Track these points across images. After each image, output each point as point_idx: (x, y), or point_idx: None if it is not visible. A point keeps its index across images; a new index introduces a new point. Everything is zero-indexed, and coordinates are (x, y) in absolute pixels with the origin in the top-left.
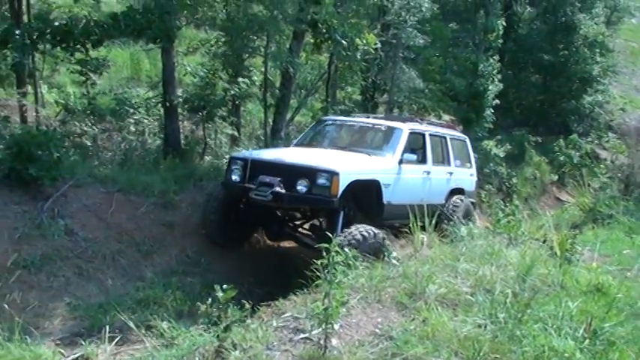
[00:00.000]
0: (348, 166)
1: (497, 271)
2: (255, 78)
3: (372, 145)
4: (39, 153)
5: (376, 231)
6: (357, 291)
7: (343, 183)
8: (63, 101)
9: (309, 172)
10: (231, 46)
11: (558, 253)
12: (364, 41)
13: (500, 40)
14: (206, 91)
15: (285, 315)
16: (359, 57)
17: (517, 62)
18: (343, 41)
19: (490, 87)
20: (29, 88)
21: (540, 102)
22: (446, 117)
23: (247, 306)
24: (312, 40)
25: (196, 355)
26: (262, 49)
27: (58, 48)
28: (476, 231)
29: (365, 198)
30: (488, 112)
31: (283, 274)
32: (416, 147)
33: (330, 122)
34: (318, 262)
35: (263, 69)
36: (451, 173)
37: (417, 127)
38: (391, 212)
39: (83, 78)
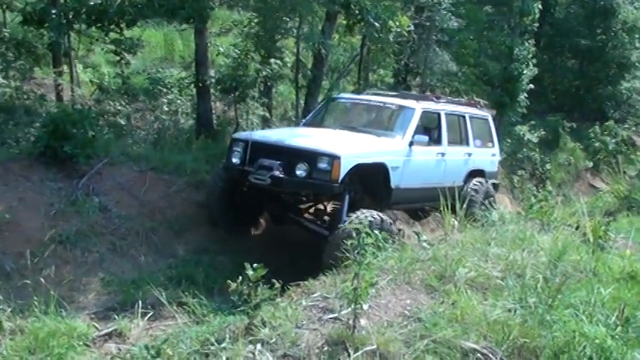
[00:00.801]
0: (351, 148)
1: (528, 256)
2: (287, 59)
3: (382, 125)
4: (74, 131)
5: (383, 216)
6: (386, 272)
7: (345, 167)
8: (97, 81)
9: (310, 156)
10: (264, 27)
11: (591, 239)
12: (397, 23)
13: (536, 24)
14: (238, 72)
15: (315, 294)
16: (392, 39)
17: (553, 46)
18: (376, 23)
19: (525, 71)
20: (65, 68)
21: (576, 87)
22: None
23: (277, 285)
24: (344, 22)
25: (226, 331)
26: (295, 31)
27: (93, 27)
28: (507, 216)
29: (372, 182)
30: (523, 96)
31: (315, 254)
32: (430, 127)
33: (341, 101)
34: (348, 242)
35: (295, 50)
36: (470, 154)
37: (432, 105)
38: (401, 196)
39: (117, 58)
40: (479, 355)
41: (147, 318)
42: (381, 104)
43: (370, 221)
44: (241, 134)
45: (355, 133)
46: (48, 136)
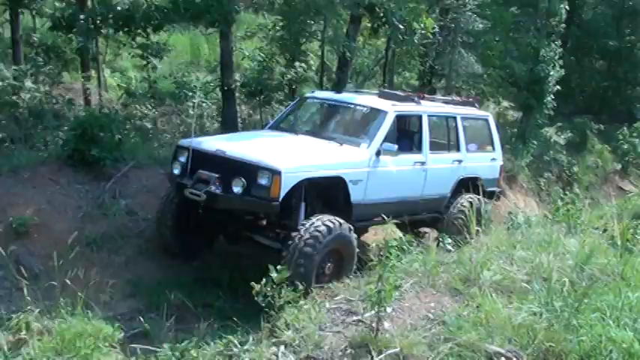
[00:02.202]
0: (298, 161)
1: (554, 259)
2: (312, 62)
3: (350, 130)
4: (101, 135)
5: (342, 222)
6: (410, 275)
7: (287, 183)
8: (124, 85)
9: (248, 169)
10: (289, 31)
11: (619, 243)
12: (422, 25)
13: (563, 25)
14: (263, 76)
15: (338, 297)
16: (416, 41)
17: (580, 47)
18: (400, 25)
19: (552, 73)
20: (92, 72)
21: (604, 89)
22: (505, 103)
23: (300, 287)
24: (369, 24)
25: (251, 333)
26: (319, 34)
27: (121, 32)
28: (533, 218)
29: (331, 196)
30: (549, 98)
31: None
32: (408, 132)
33: (313, 101)
34: (372, 244)
35: (320, 53)
36: (460, 161)
37: (410, 107)
38: (366, 212)
39: (144, 62)
40: (503, 358)
41: (172, 320)
42: (352, 106)
43: (328, 227)
44: (185, 140)
45: (315, 140)
46: (76, 140)
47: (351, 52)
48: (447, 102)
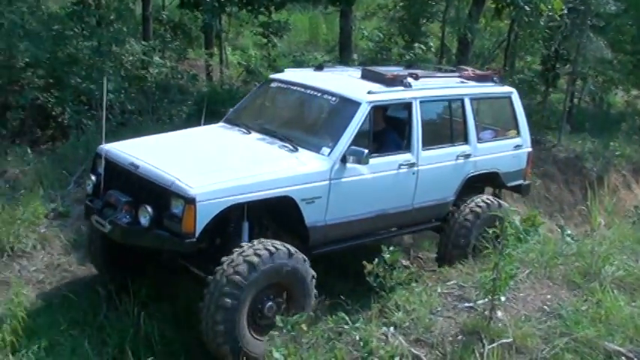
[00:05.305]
0: (222, 181)
1: None
2: (431, 44)
3: (313, 128)
4: (222, 110)
5: (290, 248)
6: (526, 265)
7: (206, 213)
8: (245, 63)
9: (158, 192)
10: (409, 11)
11: None
12: (549, 7)
13: None
14: (381, 56)
15: (450, 282)
16: (542, 24)
17: None
18: (526, 7)
19: None
20: (215, 49)
21: None
22: (635, 92)
23: (412, 269)
24: (492, 6)
25: (361, 312)
26: (441, 14)
27: (244, 11)
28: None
29: (282, 219)
30: None
31: None
32: (392, 126)
33: (278, 85)
34: (490, 231)
35: (440, 34)
36: (467, 155)
37: (395, 94)
38: (330, 234)
39: (265, 40)
40: (623, 358)
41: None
42: (320, 94)
43: (269, 252)
44: (103, 146)
45: (263, 144)
46: (199, 114)
47: (472, 33)
48: (450, 77)
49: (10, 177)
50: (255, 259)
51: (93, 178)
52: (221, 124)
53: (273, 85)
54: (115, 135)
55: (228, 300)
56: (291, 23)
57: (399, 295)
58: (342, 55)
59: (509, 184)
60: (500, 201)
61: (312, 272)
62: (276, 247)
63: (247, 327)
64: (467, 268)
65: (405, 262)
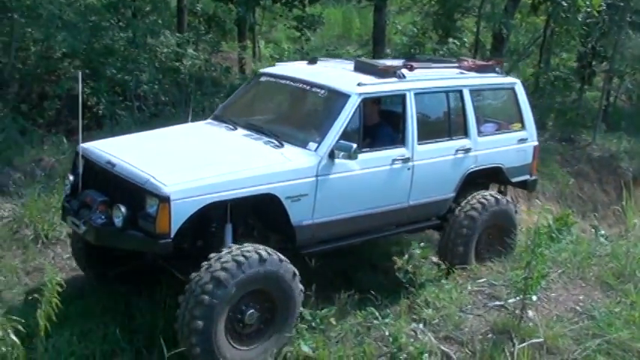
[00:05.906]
0: (200, 178)
1: None
2: (466, 39)
3: (301, 122)
4: None
5: (272, 252)
6: (558, 265)
7: (182, 213)
8: (277, 56)
9: (132, 190)
10: (444, 6)
11: None
12: (587, 3)
13: None
14: (414, 51)
15: (481, 280)
16: (579, 20)
17: None
18: (564, 2)
19: None
20: (248, 42)
21: None
22: None
23: (443, 266)
24: (529, 1)
25: (389, 308)
26: (476, 9)
27: (278, 4)
28: None
29: (268, 218)
30: None
31: None
32: (385, 119)
33: (267, 79)
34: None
35: (475, 30)
36: (467, 149)
37: (388, 86)
38: (318, 234)
39: (298, 34)
40: None
41: (313, 287)
42: (309, 87)
43: (246, 257)
44: (81, 145)
45: (248, 140)
46: None
47: (508, 29)
48: (449, 67)
49: (46, 165)
50: (230, 266)
51: (71, 178)
52: (208, 120)
53: (263, 79)
54: (146, 125)
55: (207, 297)
56: (324, 17)
57: (429, 292)
58: (376, 50)
59: (514, 180)
60: (502, 197)
61: (294, 269)
62: (258, 252)
63: (225, 331)
64: (498, 267)
65: (435, 259)
